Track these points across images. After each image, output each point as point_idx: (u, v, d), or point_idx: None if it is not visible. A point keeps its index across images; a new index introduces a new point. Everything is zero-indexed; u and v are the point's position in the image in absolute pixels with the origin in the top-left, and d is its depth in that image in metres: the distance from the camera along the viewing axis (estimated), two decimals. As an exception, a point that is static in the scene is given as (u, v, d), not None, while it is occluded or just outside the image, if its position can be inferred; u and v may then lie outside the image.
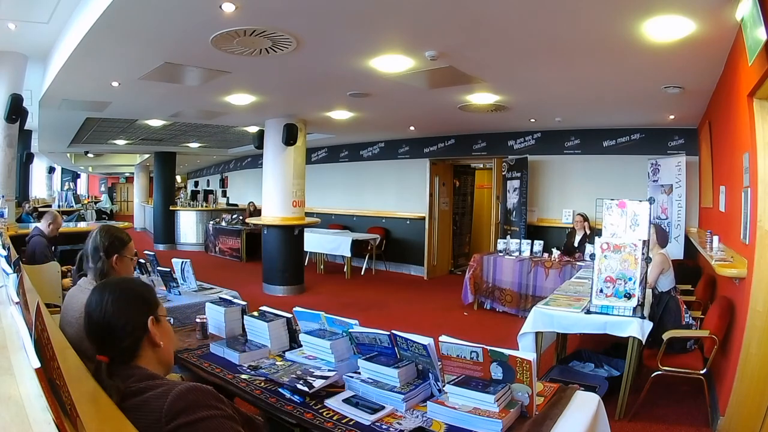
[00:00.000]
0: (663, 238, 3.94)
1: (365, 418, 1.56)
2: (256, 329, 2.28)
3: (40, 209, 10.13)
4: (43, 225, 4.42)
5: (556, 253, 5.67)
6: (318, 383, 1.77)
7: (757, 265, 2.49)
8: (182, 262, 3.59)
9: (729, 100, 3.36)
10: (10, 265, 2.26)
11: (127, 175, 22.01)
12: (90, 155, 14.30)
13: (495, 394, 1.52)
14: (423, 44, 3.42)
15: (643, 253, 2.94)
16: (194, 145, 11.31)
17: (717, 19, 2.70)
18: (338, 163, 10.19)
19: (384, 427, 1.52)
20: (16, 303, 1.64)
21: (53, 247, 4.40)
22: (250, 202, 10.84)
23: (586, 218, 6.07)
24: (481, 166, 9.60)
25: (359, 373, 1.82)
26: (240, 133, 9.38)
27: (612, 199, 3.25)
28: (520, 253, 5.86)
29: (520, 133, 7.52)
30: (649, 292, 3.44)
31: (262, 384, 1.88)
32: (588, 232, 5.94)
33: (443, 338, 1.70)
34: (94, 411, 1.15)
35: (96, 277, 1.90)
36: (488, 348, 1.60)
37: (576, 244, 5.96)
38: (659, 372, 2.94)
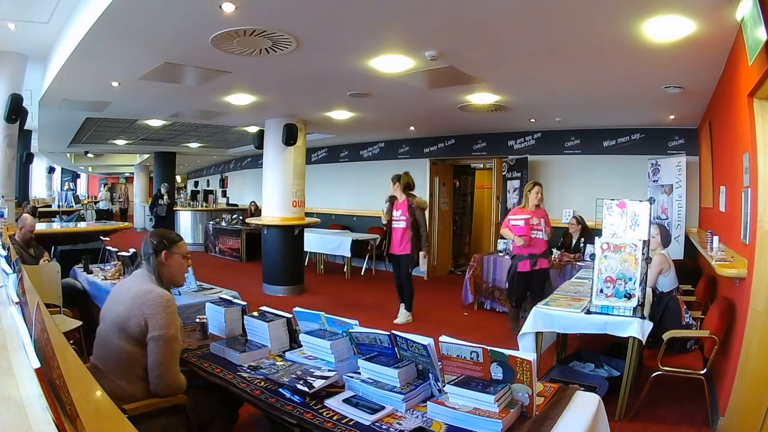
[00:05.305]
0: (666, 238, 3.95)
1: (365, 418, 1.56)
2: (256, 329, 2.28)
3: (39, 209, 10.13)
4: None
5: (556, 253, 5.67)
6: (318, 383, 1.77)
7: (757, 265, 2.49)
8: (182, 262, 3.59)
9: (729, 100, 3.36)
10: (10, 265, 2.26)
11: (127, 175, 21.99)
12: (90, 155, 14.31)
13: (495, 394, 1.52)
14: (423, 44, 3.42)
15: (643, 253, 2.94)
16: (194, 145, 11.31)
17: (717, 19, 2.69)
18: (338, 163, 10.19)
19: (384, 427, 1.52)
20: (16, 303, 1.64)
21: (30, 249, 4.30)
22: (251, 202, 10.84)
23: (580, 221, 6.15)
24: (481, 166, 9.60)
25: (359, 373, 1.82)
26: (240, 133, 9.38)
27: (612, 199, 3.25)
28: (520, 253, 5.85)
29: (520, 133, 7.52)
30: (649, 292, 3.43)
31: (262, 384, 1.88)
32: (579, 235, 6.03)
33: (443, 338, 1.70)
34: (93, 411, 1.15)
35: (152, 272, 2.05)
36: (488, 348, 1.60)
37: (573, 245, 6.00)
38: (659, 372, 2.94)
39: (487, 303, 5.97)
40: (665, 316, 3.23)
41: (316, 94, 5.24)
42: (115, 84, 4.70)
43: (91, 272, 4.12)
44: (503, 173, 7.53)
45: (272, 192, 6.87)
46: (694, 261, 5.32)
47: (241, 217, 10.67)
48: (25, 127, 5.50)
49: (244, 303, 2.53)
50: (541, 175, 7.28)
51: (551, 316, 3.16)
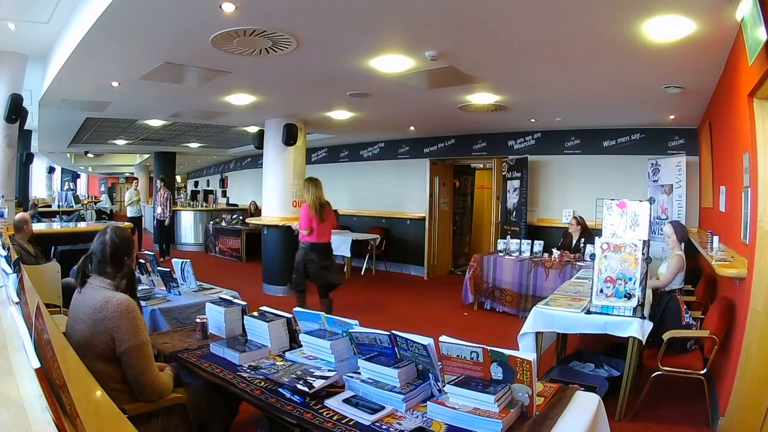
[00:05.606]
0: (682, 234, 3.94)
1: (365, 418, 1.56)
2: (256, 329, 2.28)
3: (39, 209, 10.12)
4: None
5: (556, 253, 5.67)
6: (318, 383, 1.77)
7: (757, 265, 2.49)
8: (182, 262, 3.59)
9: (729, 100, 3.36)
10: (10, 265, 2.26)
11: (127, 175, 21.99)
12: (90, 155, 14.30)
13: (495, 394, 1.52)
14: (423, 44, 3.42)
15: (643, 254, 2.94)
16: (194, 145, 11.31)
17: (717, 19, 2.69)
18: (338, 163, 10.19)
19: (384, 427, 1.53)
20: (16, 303, 1.65)
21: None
22: (252, 202, 10.84)
23: (579, 221, 6.09)
24: (481, 166, 9.59)
25: (359, 373, 1.82)
26: (240, 133, 9.38)
27: (612, 199, 3.25)
28: (520, 253, 5.86)
29: (520, 133, 7.52)
30: (649, 291, 3.44)
31: (262, 384, 1.88)
32: (579, 235, 5.98)
33: (443, 338, 1.70)
34: (93, 411, 1.15)
35: (120, 277, 1.95)
36: (488, 348, 1.60)
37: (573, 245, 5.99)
38: (659, 372, 2.94)
39: (487, 303, 5.97)
40: (665, 316, 3.23)
41: (316, 94, 5.24)
42: (115, 84, 4.70)
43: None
44: (503, 173, 7.53)
45: (272, 192, 6.87)
46: (694, 261, 5.31)
47: (241, 217, 10.67)
48: (25, 127, 5.50)
49: (244, 303, 2.53)
50: (541, 175, 7.30)
51: (551, 316, 3.16)
